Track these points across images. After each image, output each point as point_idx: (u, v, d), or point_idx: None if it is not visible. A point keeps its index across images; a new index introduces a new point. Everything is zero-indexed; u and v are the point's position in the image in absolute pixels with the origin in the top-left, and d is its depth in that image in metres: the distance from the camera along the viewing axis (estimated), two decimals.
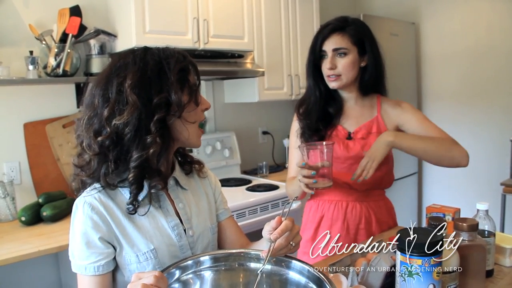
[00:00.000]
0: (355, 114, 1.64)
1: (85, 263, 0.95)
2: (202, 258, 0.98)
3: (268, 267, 0.96)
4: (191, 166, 1.17)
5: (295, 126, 1.67)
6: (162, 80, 0.96)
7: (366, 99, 1.65)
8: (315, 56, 1.60)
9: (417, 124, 1.57)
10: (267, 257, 0.91)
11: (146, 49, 1.01)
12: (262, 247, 1.02)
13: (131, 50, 1.02)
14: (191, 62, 1.02)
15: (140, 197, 0.99)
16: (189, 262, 0.95)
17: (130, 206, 0.97)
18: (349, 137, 1.61)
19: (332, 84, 1.58)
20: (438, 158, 1.51)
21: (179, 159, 1.16)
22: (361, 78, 1.61)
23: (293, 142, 1.68)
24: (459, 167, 1.51)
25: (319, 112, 1.62)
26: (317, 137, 1.59)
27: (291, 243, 0.94)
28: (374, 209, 1.62)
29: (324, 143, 1.42)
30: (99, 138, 0.94)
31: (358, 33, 1.56)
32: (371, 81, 1.61)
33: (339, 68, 1.55)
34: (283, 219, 0.94)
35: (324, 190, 1.44)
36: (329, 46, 1.56)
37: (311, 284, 0.91)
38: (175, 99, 0.96)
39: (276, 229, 0.92)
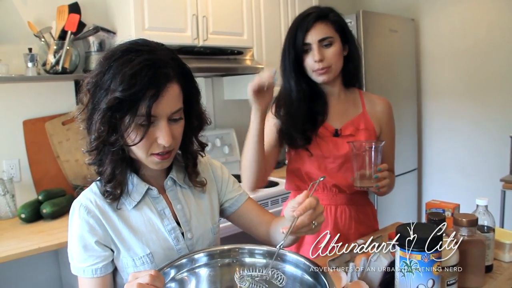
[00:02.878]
0: (339, 110, 1.56)
1: (83, 265, 0.95)
2: (196, 256, 0.97)
3: (263, 260, 0.96)
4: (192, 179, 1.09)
5: (271, 120, 1.54)
6: (105, 96, 0.88)
7: (348, 93, 1.58)
8: (297, 51, 1.46)
9: (387, 142, 1.54)
10: (287, 232, 0.88)
11: (122, 54, 0.89)
12: (284, 225, 0.96)
13: (118, 47, 0.92)
14: (149, 89, 0.86)
15: (132, 200, 0.99)
16: (184, 260, 0.95)
17: (105, 193, 0.97)
18: (336, 134, 1.53)
19: (321, 78, 1.47)
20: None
21: (187, 163, 1.08)
22: (345, 69, 1.52)
23: (266, 137, 1.50)
24: None
25: (304, 113, 1.50)
26: (304, 138, 1.50)
27: (313, 222, 0.90)
28: (363, 212, 1.59)
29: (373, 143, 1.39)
30: None
31: (340, 20, 1.48)
32: (355, 71, 1.54)
33: (328, 59, 1.44)
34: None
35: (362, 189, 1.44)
36: (313, 37, 1.43)
37: (306, 276, 0.91)
38: (93, 128, 0.90)
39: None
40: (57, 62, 2.16)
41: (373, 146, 1.37)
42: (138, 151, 0.93)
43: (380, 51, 3.32)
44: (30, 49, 2.13)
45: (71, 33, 2.19)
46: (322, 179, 0.99)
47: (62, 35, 2.19)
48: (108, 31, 2.36)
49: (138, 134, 0.88)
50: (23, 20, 2.21)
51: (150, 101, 0.86)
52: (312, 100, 1.52)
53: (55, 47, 2.17)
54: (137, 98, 0.85)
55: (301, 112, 1.50)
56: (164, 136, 0.90)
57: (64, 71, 2.18)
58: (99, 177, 0.99)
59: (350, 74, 1.55)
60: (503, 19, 3.30)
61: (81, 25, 2.27)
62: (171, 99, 0.90)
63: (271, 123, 1.53)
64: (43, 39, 2.18)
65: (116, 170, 0.95)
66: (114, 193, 0.96)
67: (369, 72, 3.18)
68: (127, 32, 2.31)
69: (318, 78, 1.48)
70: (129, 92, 0.85)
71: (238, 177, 2.98)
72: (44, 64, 2.19)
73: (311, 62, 1.46)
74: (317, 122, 1.52)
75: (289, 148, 1.58)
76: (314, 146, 1.52)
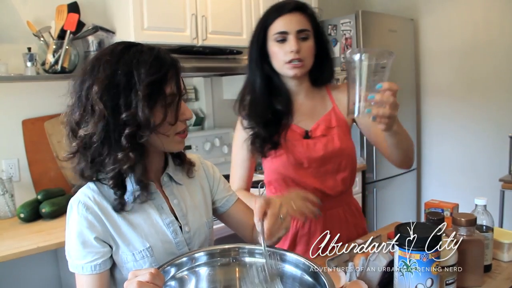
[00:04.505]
0: (307, 110, 1.46)
1: (81, 262, 0.95)
2: (197, 255, 0.98)
3: (263, 260, 0.96)
4: (183, 164, 1.13)
5: (241, 136, 1.46)
6: (131, 93, 0.89)
7: (316, 91, 1.48)
8: (268, 38, 1.37)
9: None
10: (264, 241, 0.92)
11: (124, 51, 0.93)
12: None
13: (111, 48, 0.95)
14: (170, 70, 0.93)
15: (129, 198, 0.98)
16: (184, 259, 0.96)
17: (118, 205, 0.97)
18: (306, 136, 1.43)
19: (293, 72, 1.36)
20: (404, 155, 1.34)
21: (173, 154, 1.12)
22: (315, 67, 1.41)
23: (239, 154, 1.48)
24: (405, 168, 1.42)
25: (267, 110, 1.41)
26: (271, 143, 1.41)
27: (280, 216, 0.94)
28: (349, 212, 1.51)
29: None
30: (73, 142, 0.97)
31: (315, 16, 1.41)
32: (327, 70, 1.45)
33: (303, 53, 1.34)
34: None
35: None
36: (292, 26, 1.34)
37: (306, 276, 0.91)
38: (142, 118, 0.89)
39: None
40: (56, 62, 2.16)
41: (374, 62, 1.10)
42: (168, 132, 0.96)
43: None
44: (29, 49, 2.13)
45: (70, 32, 2.19)
46: (263, 190, 1.05)
47: (61, 35, 2.19)
48: (107, 30, 2.35)
49: (170, 113, 0.94)
50: (22, 19, 2.20)
51: (176, 78, 0.94)
52: (273, 95, 1.43)
53: (54, 47, 2.17)
54: (164, 79, 0.92)
55: (265, 109, 1.41)
56: (187, 109, 1.00)
57: (63, 71, 2.18)
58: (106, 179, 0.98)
59: (321, 73, 1.45)
60: (502, 18, 3.30)
61: (80, 25, 2.27)
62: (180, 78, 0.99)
63: (241, 139, 1.47)
64: (42, 39, 2.18)
65: (139, 166, 0.95)
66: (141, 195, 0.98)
67: None
68: (126, 31, 2.31)
69: (290, 72, 1.37)
70: (158, 75, 0.90)
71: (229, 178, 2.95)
72: (43, 64, 2.18)
73: (283, 52, 1.35)
74: (282, 123, 1.42)
75: (262, 158, 1.48)
76: (285, 152, 1.42)
